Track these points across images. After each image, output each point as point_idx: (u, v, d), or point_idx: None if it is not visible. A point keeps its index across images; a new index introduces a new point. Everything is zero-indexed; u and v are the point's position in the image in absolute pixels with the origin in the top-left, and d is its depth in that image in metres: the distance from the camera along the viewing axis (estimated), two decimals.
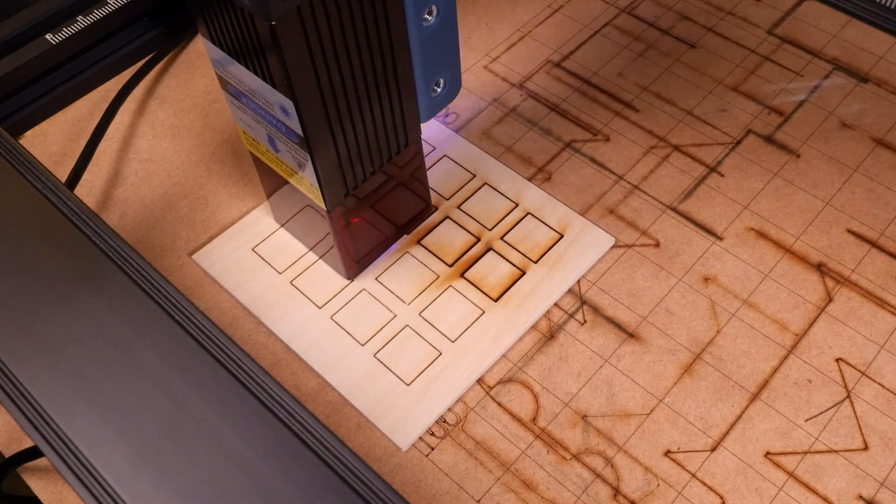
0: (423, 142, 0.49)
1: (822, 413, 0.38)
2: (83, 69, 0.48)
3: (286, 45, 0.30)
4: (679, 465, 0.37)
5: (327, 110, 0.33)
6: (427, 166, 0.46)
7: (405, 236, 0.44)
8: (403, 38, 0.35)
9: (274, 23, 0.29)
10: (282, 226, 0.44)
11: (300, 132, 0.33)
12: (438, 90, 0.38)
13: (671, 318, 0.41)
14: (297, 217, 0.42)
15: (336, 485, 0.25)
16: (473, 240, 0.43)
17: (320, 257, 0.43)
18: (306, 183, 0.37)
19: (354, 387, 0.39)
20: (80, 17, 0.45)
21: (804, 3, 0.53)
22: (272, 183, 0.41)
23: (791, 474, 0.36)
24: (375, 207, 0.40)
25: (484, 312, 0.41)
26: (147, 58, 0.51)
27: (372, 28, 0.33)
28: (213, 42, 0.34)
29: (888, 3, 0.35)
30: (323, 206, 0.37)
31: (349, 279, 0.42)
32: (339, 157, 0.36)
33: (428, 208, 0.44)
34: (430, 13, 0.35)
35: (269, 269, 0.43)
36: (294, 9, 0.29)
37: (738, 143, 0.47)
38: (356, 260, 0.41)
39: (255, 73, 0.33)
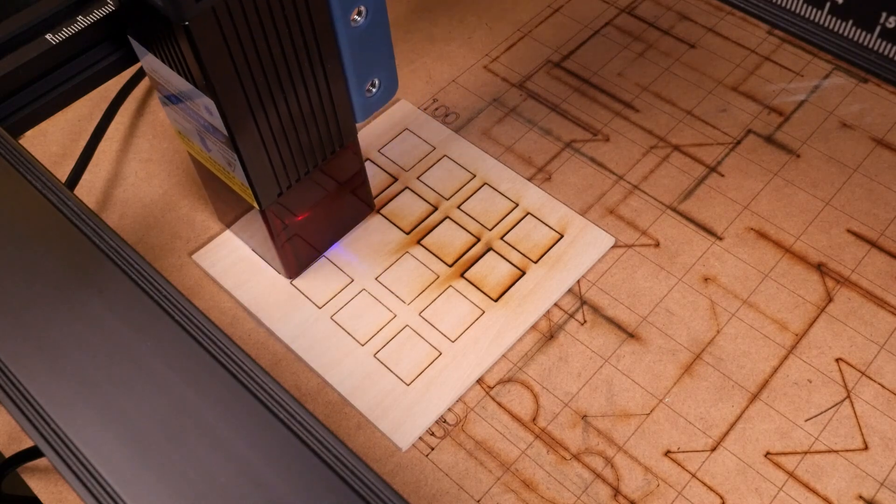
0: (422, 141, 0.49)
1: (822, 413, 0.38)
2: (83, 69, 0.48)
3: (203, 45, 0.30)
4: (679, 465, 0.37)
5: (252, 110, 0.33)
6: (427, 166, 0.46)
7: (405, 236, 0.44)
8: (330, 39, 0.34)
9: (187, 23, 0.29)
10: (227, 227, 0.44)
11: (224, 131, 0.33)
12: (374, 90, 0.38)
13: (671, 318, 0.41)
14: (238, 217, 0.42)
15: (336, 485, 0.25)
16: (473, 240, 0.43)
17: (262, 257, 0.43)
18: (238, 182, 0.37)
19: (354, 387, 0.39)
20: (80, 17, 0.45)
21: None
22: (211, 184, 0.41)
23: (791, 474, 0.36)
24: (313, 208, 0.40)
25: (484, 312, 0.41)
26: None
27: (295, 29, 0.32)
28: (139, 42, 0.34)
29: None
30: (255, 205, 0.37)
31: (290, 278, 0.42)
32: (268, 156, 0.35)
33: (369, 209, 0.44)
34: (358, 13, 0.34)
35: (268, 269, 0.43)
36: (209, 9, 0.29)
37: (738, 143, 0.47)
38: (295, 258, 0.41)
39: (178, 73, 0.33)
